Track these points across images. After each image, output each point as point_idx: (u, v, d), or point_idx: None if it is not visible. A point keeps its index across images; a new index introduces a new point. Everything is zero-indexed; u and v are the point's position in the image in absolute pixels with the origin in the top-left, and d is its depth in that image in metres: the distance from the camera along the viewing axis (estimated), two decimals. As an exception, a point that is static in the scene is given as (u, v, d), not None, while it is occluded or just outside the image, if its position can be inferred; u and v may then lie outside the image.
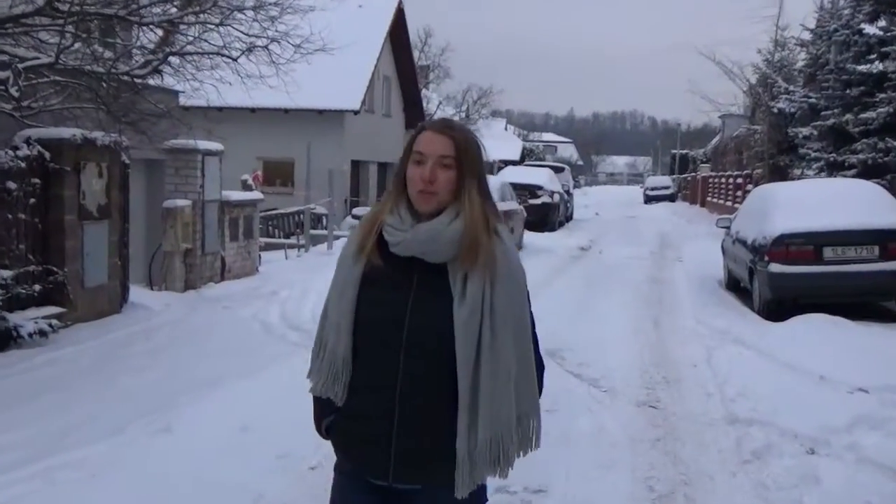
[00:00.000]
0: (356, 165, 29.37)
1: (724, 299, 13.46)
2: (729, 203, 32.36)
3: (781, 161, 24.74)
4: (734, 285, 14.00)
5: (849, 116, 18.05)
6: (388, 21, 29.83)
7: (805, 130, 20.98)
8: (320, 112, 25.82)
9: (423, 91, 39.77)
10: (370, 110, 29.23)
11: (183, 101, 13.72)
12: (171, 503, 4.94)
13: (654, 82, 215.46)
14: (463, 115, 52.55)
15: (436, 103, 49.20)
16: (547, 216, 25.59)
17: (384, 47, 29.86)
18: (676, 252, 20.63)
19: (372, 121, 29.66)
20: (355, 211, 26.58)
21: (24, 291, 8.82)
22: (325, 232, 19.46)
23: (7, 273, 8.57)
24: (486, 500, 2.60)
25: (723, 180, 37.66)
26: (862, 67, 18.07)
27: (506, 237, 2.55)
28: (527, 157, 52.77)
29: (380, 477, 2.52)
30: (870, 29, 18.14)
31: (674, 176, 63.81)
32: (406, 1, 31.56)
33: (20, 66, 8.04)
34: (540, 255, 19.09)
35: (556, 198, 27.15)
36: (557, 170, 32.59)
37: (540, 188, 26.17)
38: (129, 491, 5.09)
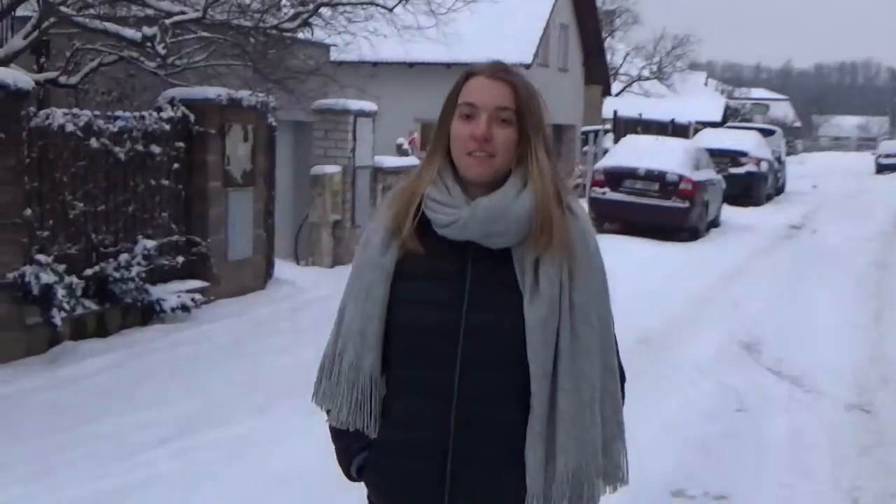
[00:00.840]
0: (527, 128, 29.91)
1: None
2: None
3: None
4: None
5: None
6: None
7: None
8: (486, 65, 26.41)
9: (608, 40, 39.75)
10: (544, 64, 29.53)
11: (334, 55, 14.46)
12: (313, 485, 5.40)
13: (894, 25, 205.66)
14: (654, 67, 52.25)
15: (622, 54, 49.10)
16: (752, 188, 25.41)
17: (561, -10, 30.18)
18: None
19: (546, 76, 29.91)
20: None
21: (166, 263, 9.60)
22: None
23: (151, 243, 9.32)
24: None
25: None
26: None
27: (580, 213, 2.33)
28: (730, 117, 51.82)
29: None
30: None
31: (917, 141, 61.36)
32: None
33: (167, 21, 8.79)
34: (741, 233, 19.31)
35: (764, 166, 26.88)
36: (767, 133, 32.03)
37: (744, 155, 25.99)
38: (269, 472, 5.67)
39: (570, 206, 2.29)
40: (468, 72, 2.33)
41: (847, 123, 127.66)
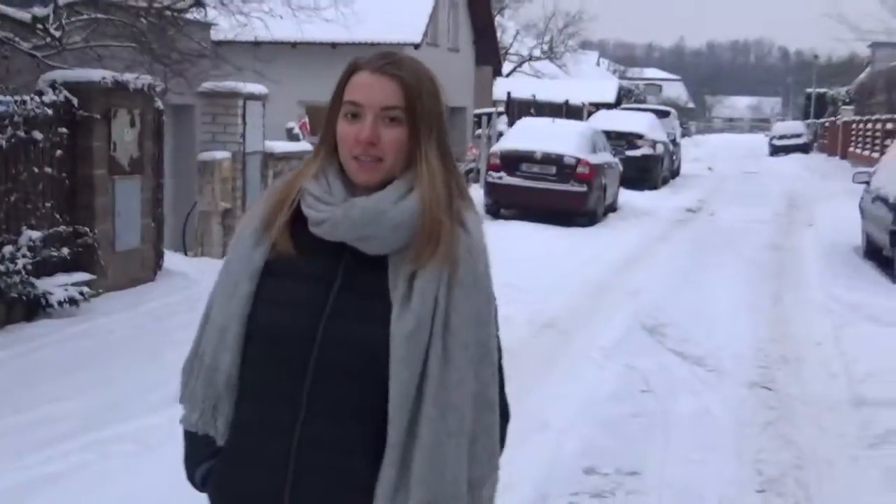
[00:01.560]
0: (417, 111, 30.07)
1: (860, 269, 13.82)
2: (876, 155, 32.22)
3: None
4: (874, 253, 14.24)
5: None
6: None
7: None
8: (373, 45, 26.43)
9: (498, 18, 40.14)
10: (433, 43, 29.77)
11: (213, 35, 14.45)
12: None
13: (786, 4, 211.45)
14: (545, 47, 52.92)
15: (512, 33, 49.60)
16: (648, 171, 25.95)
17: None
18: (807, 214, 20.93)
19: (436, 56, 30.14)
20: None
21: (52, 255, 9.49)
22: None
23: (35, 234, 9.23)
24: None
25: (870, 126, 37.53)
26: None
27: (471, 224, 2.17)
28: (624, 98, 52.85)
29: None
30: None
31: (808, 121, 63.29)
32: None
33: (61, 1, 8.78)
34: (640, 217, 19.72)
35: (660, 149, 27.42)
36: (661, 114, 32.79)
37: (640, 137, 26.47)
38: (178, 465, 5.83)
39: (463, 218, 2.14)
40: (352, 65, 2.20)
41: (740, 104, 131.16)
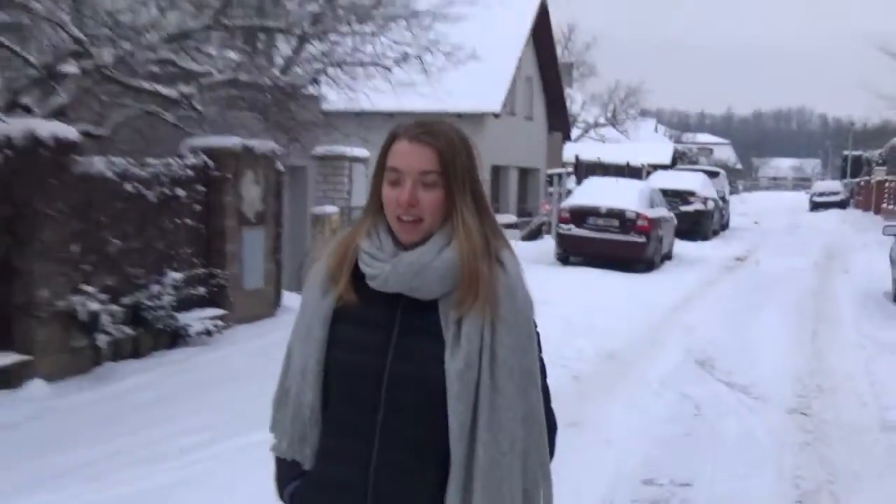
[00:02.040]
0: (496, 171, 30.18)
1: (891, 313, 13.60)
2: (906, 211, 31.77)
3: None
4: None
5: None
6: (530, 18, 30.51)
7: None
8: (460, 115, 26.73)
9: (567, 90, 40.31)
10: (511, 112, 29.98)
11: (325, 106, 14.89)
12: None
13: (825, 76, 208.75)
14: (609, 115, 52.96)
15: (580, 103, 49.68)
16: (700, 224, 25.75)
17: (526, 45, 30.64)
18: (843, 263, 20.59)
19: (513, 124, 30.43)
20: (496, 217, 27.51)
21: (191, 293, 9.86)
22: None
23: (177, 276, 9.59)
24: None
25: (900, 185, 36.89)
26: None
27: (510, 265, 2.20)
28: (678, 160, 52.47)
29: None
30: None
31: (845, 180, 62.23)
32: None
33: (203, 81, 9.20)
34: (692, 265, 19.54)
35: (711, 204, 27.19)
36: (712, 174, 32.53)
37: (692, 194, 26.30)
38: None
39: (501, 259, 2.18)
40: (393, 134, 2.20)
41: (783, 165, 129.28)
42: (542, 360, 2.23)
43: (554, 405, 2.32)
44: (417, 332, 2.13)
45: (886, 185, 41.75)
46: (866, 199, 48.70)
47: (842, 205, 52.14)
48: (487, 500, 2.06)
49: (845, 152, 71.65)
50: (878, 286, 15.75)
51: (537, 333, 2.21)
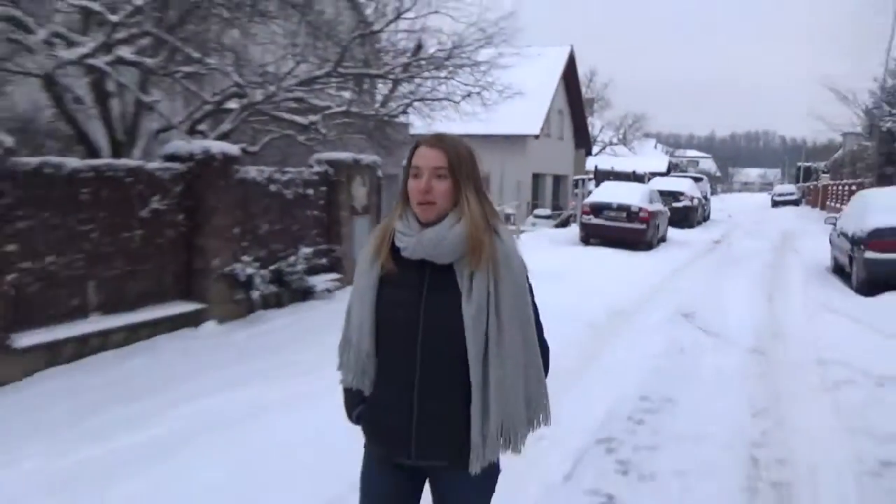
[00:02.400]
0: (536, 177, 30.10)
1: (828, 281, 13.28)
2: (845, 207, 30.72)
3: (888, 171, 23.52)
4: (838, 270, 13.72)
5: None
6: (562, 64, 30.35)
7: None
8: (507, 137, 26.75)
9: (589, 118, 39.91)
10: (547, 135, 29.87)
11: (411, 130, 14.96)
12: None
13: (784, 107, 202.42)
14: (620, 136, 52.13)
15: (598, 128, 49.04)
16: (687, 216, 25.24)
17: (559, 85, 30.42)
18: (794, 245, 20.07)
19: (548, 143, 30.29)
20: (536, 212, 27.38)
21: (317, 262, 10.00)
22: (513, 227, 20.32)
23: (307, 250, 9.74)
24: (500, 471, 2.30)
25: (840, 188, 35.72)
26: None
27: (505, 235, 2.23)
28: (672, 169, 51.43)
29: (403, 457, 2.23)
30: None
31: (798, 184, 60.47)
32: (576, 47, 32.00)
33: (326, 112, 9.35)
34: (681, 246, 19.19)
35: (696, 202, 26.70)
36: (697, 179, 31.94)
37: (682, 194, 25.81)
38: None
39: (498, 232, 2.20)
40: (417, 143, 2.24)
41: (752, 173, 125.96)
42: (534, 304, 2.26)
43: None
44: (441, 288, 2.15)
45: (829, 188, 40.56)
46: (814, 198, 47.25)
47: (796, 203, 50.75)
48: (500, 408, 2.10)
49: (799, 164, 69.66)
50: (821, 262, 15.40)
51: (530, 285, 2.24)
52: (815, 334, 8.48)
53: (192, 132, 9.36)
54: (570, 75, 31.96)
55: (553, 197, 31.76)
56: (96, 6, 6.74)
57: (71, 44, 7.39)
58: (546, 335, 2.31)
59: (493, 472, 2.23)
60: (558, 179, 32.52)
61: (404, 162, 2.30)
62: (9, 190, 6.11)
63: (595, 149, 45.53)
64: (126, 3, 7.03)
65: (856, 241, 11.59)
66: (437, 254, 2.14)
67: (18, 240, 6.25)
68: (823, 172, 49.66)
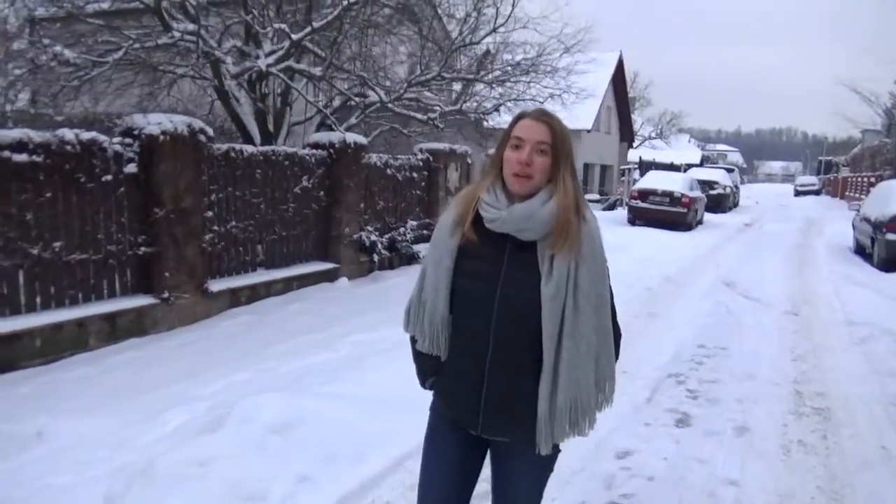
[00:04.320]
0: (586, 167, 30.22)
1: (851, 259, 13.28)
2: (863, 197, 29.96)
3: (906, 165, 23.01)
4: (860, 251, 13.71)
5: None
6: (612, 68, 30.26)
7: None
8: (565, 131, 26.78)
9: (633, 115, 39.59)
10: (597, 129, 29.88)
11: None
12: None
13: (807, 104, 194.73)
14: (659, 131, 51.46)
15: (640, 123, 48.45)
16: (721, 202, 25.04)
17: (608, 86, 30.38)
18: (818, 229, 19.83)
19: (598, 136, 30.32)
20: (585, 196, 27.64)
21: (420, 233, 10.30)
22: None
23: (413, 223, 10.29)
24: (559, 451, 2.03)
25: (859, 179, 34.81)
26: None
27: (591, 221, 1.95)
28: (705, 161, 50.67)
29: (471, 427, 2.01)
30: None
31: (819, 176, 58.69)
32: (624, 52, 31.82)
33: (444, 109, 9.84)
34: (716, 227, 19.14)
35: (728, 190, 26.43)
36: (729, 170, 31.44)
37: (717, 183, 25.58)
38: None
39: (585, 215, 1.93)
40: (520, 114, 1.99)
41: (775, 166, 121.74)
42: (610, 288, 1.99)
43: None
44: (520, 265, 1.90)
45: (849, 180, 39.47)
46: (834, 189, 45.84)
47: (817, 193, 49.24)
48: (568, 388, 1.88)
49: (820, 157, 67.40)
50: (843, 243, 15.33)
51: (608, 270, 1.99)
52: (841, 301, 8.68)
53: (320, 127, 10.04)
54: (618, 76, 31.84)
55: (600, 184, 31.83)
56: (285, 27, 7.34)
57: (243, 54, 8.13)
58: (616, 300, 2.05)
59: (552, 453, 1.99)
60: (605, 168, 32.53)
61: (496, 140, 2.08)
62: (207, 169, 6.90)
63: (637, 141, 45.19)
64: (302, 26, 7.65)
65: (878, 225, 11.64)
66: (526, 228, 1.89)
67: (213, 208, 7.05)
68: (843, 165, 48.16)
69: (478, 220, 1.94)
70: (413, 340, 2.09)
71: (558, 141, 1.91)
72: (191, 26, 7.63)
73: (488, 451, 2.10)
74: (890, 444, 4.25)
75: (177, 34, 7.17)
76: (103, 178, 5.88)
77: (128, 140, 6.12)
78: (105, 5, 9.12)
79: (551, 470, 2.08)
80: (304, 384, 4.64)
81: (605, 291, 1.94)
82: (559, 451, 2.01)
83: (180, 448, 3.49)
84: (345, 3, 7.21)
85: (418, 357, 2.10)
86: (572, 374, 1.87)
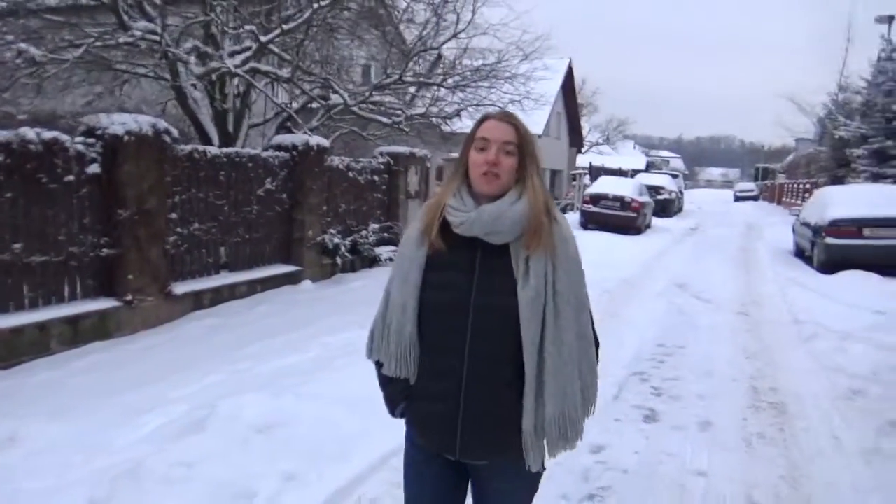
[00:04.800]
0: (537, 171, 30.61)
1: (792, 262, 13.73)
2: (799, 202, 31.22)
3: (839, 173, 24.12)
4: (800, 254, 14.18)
5: (889, 142, 17.77)
6: (562, 75, 30.78)
7: (858, 151, 20.39)
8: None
9: (582, 121, 40.29)
10: (548, 134, 30.28)
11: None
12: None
13: (745, 114, 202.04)
14: (605, 137, 52.55)
15: (588, 129, 49.36)
16: (667, 207, 25.62)
17: (559, 92, 30.88)
18: (759, 233, 20.48)
19: (549, 141, 30.68)
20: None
21: (381, 236, 10.52)
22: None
23: (375, 226, 10.34)
24: (544, 469, 1.91)
25: (795, 186, 36.38)
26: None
27: (562, 222, 1.89)
28: (649, 167, 52.07)
29: (448, 452, 1.88)
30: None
31: (757, 182, 60.85)
32: (573, 60, 32.42)
33: (408, 113, 9.92)
34: (664, 231, 19.57)
35: (674, 195, 27.08)
36: (674, 176, 32.44)
37: (663, 188, 26.17)
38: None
39: (556, 216, 1.87)
40: (484, 116, 1.93)
41: (715, 172, 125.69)
42: (587, 293, 1.91)
43: (598, 307, 2.06)
44: (493, 271, 1.81)
45: (785, 186, 41.17)
46: (771, 194, 47.58)
47: (755, 198, 51.00)
48: (555, 399, 1.78)
49: (757, 164, 69.93)
50: (783, 246, 15.87)
51: (583, 272, 1.89)
52: (787, 302, 9.06)
53: (280, 129, 9.96)
54: (568, 83, 32.38)
55: (550, 188, 32.33)
56: (254, 29, 7.30)
57: (203, 55, 8.03)
58: None
59: (538, 476, 1.91)
60: (555, 173, 32.99)
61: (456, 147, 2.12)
62: (170, 170, 6.80)
63: (585, 147, 45.99)
64: (266, 27, 7.61)
65: (817, 230, 12.09)
66: (496, 230, 1.80)
67: (176, 210, 6.95)
68: (780, 172, 50.17)
69: (445, 230, 1.85)
70: (378, 365, 1.96)
71: (523, 141, 1.86)
72: (150, 25, 7.51)
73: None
74: (840, 434, 4.52)
75: (137, 33, 7.03)
76: (65, 179, 5.75)
77: (90, 140, 6.00)
78: (53, 1, 8.89)
79: (536, 489, 1.96)
80: (281, 385, 4.64)
81: (585, 296, 1.87)
82: (544, 468, 1.89)
83: (165, 450, 3.47)
84: (315, 6, 7.19)
85: (385, 383, 1.97)
86: (558, 383, 1.78)
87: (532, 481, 1.92)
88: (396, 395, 1.97)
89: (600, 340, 1.95)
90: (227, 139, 9.31)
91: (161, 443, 3.60)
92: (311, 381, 4.78)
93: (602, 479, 3.76)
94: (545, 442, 1.81)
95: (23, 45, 6.17)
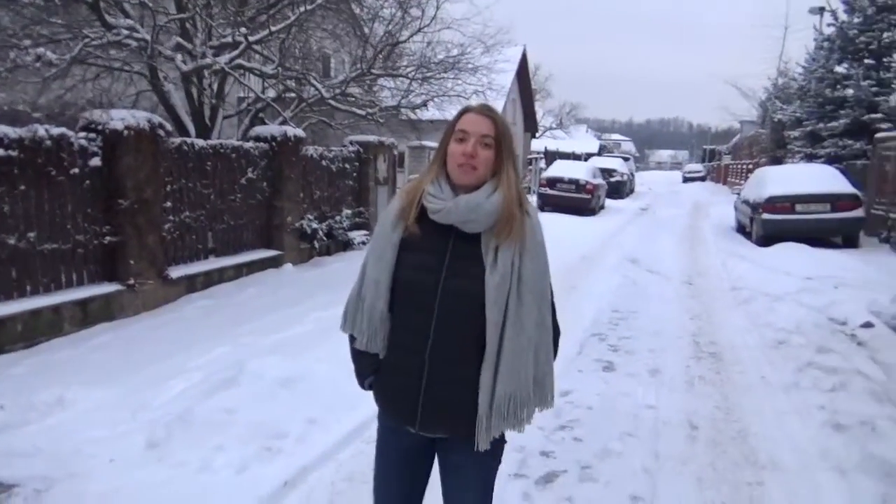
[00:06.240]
0: (494, 156, 31.25)
1: (734, 237, 14.68)
2: (742, 182, 32.59)
3: (778, 153, 25.49)
4: (741, 229, 15.07)
5: (821, 125, 18.87)
6: (517, 62, 31.41)
7: (794, 133, 21.41)
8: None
9: (536, 106, 41.05)
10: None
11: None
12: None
13: (693, 97, 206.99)
14: (559, 122, 53.52)
15: (541, 114, 50.21)
16: (619, 189, 26.51)
17: (514, 78, 31.54)
18: (705, 212, 21.47)
19: (505, 127, 31.50)
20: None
21: (354, 220, 10.96)
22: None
23: (347, 212, 10.78)
24: (505, 442, 2.02)
25: (739, 167, 37.95)
26: (830, 93, 18.77)
27: (533, 214, 1.95)
28: (602, 150, 53.24)
29: (409, 424, 1.96)
30: (838, 69, 18.90)
31: (705, 163, 62.80)
32: (526, 46, 33.14)
33: (382, 106, 10.37)
34: (617, 212, 20.56)
35: (625, 177, 28.17)
36: (625, 159, 33.65)
37: (615, 171, 27.08)
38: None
39: (528, 210, 1.93)
40: (464, 109, 1.99)
41: (664, 154, 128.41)
42: (550, 284, 1.97)
43: (558, 281, 2.15)
44: (464, 257, 1.89)
45: (730, 167, 42.78)
46: (718, 175, 49.23)
47: (703, 179, 52.49)
48: (509, 380, 1.86)
49: (704, 146, 72.11)
50: (726, 223, 16.80)
51: (548, 265, 1.96)
52: (727, 272, 9.96)
53: (253, 121, 10.39)
54: (522, 70, 33.06)
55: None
56: (243, 30, 7.73)
57: (182, 49, 8.44)
58: None
59: (498, 444, 1.98)
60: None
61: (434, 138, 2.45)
62: (163, 162, 7.28)
63: (539, 133, 46.83)
64: (244, 24, 8.05)
65: (755, 206, 13.03)
66: (471, 220, 1.87)
67: (169, 199, 7.44)
68: (725, 154, 51.94)
69: (421, 215, 1.93)
70: (352, 339, 2.04)
71: (501, 135, 1.92)
72: (132, 23, 7.90)
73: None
74: (767, 374, 5.37)
75: (124, 31, 7.44)
76: (71, 171, 6.20)
77: (92, 135, 6.45)
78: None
79: (499, 462, 2.05)
80: (289, 352, 5.25)
81: (547, 287, 1.93)
82: (505, 441, 1.99)
83: (205, 402, 4.07)
84: (302, 9, 7.69)
85: (357, 357, 2.05)
86: (514, 364, 1.84)
87: (494, 454, 1.97)
88: (366, 367, 2.04)
89: (563, 308, 2.07)
90: (204, 131, 9.72)
91: (199, 398, 4.19)
92: (315, 347, 5.39)
93: (571, 413, 4.51)
94: (494, 420, 1.87)
95: (40, 50, 6.52)
